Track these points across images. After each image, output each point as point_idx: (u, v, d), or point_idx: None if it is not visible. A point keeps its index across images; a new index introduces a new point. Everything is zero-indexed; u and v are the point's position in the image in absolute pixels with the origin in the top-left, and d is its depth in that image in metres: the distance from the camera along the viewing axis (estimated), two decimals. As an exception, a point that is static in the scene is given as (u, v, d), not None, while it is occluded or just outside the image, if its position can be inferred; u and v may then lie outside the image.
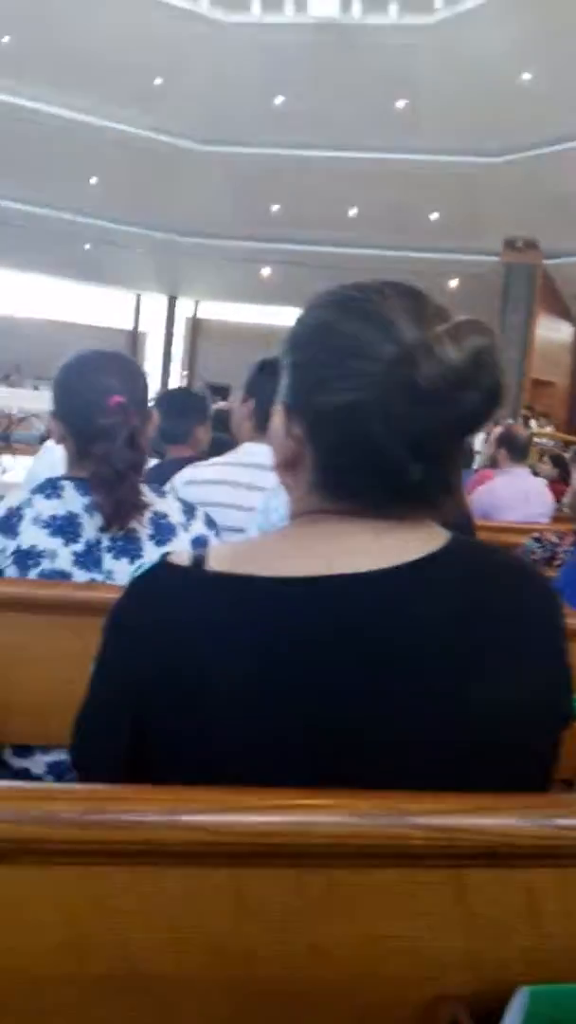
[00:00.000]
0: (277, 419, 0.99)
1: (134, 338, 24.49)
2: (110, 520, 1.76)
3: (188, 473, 2.62)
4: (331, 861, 0.77)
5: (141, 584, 0.97)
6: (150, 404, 2.09)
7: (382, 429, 0.89)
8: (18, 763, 1.86)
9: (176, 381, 23.29)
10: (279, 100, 18.30)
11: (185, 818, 0.75)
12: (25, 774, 1.80)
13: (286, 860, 0.76)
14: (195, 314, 26.05)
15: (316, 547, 0.93)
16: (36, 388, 18.10)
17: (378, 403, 0.89)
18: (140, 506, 1.78)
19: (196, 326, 26.04)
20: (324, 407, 0.92)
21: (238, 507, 2.41)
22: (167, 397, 3.63)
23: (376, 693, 0.86)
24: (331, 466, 0.94)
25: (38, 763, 1.84)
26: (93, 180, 20.08)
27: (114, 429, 1.75)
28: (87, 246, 22.12)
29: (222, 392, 13.45)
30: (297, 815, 0.76)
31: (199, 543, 1.83)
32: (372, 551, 0.91)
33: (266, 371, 2.63)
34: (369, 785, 0.82)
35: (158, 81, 18.05)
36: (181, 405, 3.49)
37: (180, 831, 0.74)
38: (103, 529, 1.78)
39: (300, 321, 0.99)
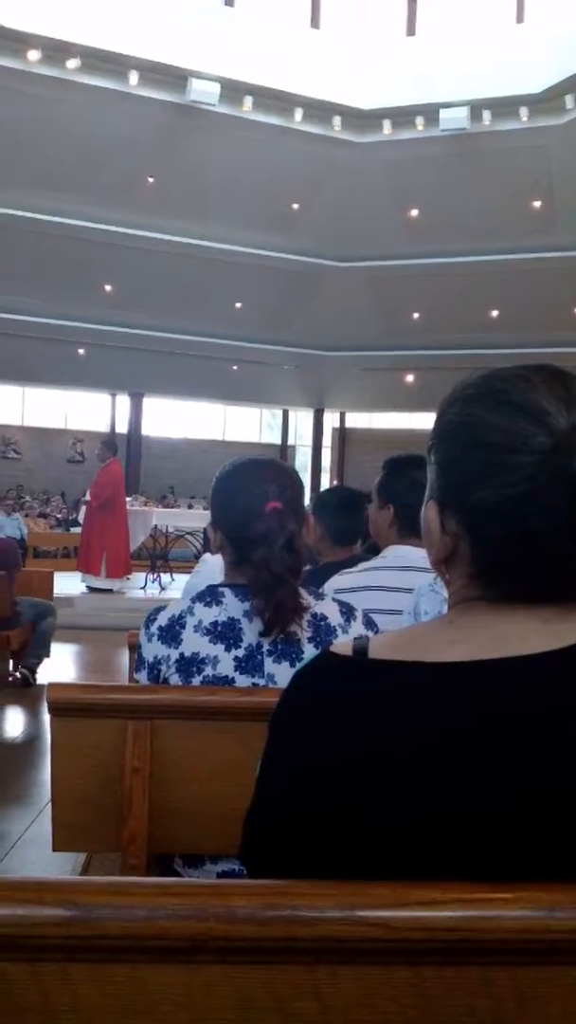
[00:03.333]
0: (431, 515, 0.98)
1: (283, 452, 25.03)
2: (270, 624, 1.78)
3: (337, 581, 2.62)
4: (517, 958, 0.73)
5: (304, 676, 0.97)
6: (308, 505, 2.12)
7: (542, 521, 0.88)
8: (188, 873, 1.86)
9: (326, 491, 23.53)
10: (414, 212, 18.76)
11: (362, 913, 0.73)
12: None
13: (469, 957, 0.73)
14: (342, 425, 26.46)
15: (481, 632, 0.91)
16: (190, 507, 18.68)
17: (536, 496, 0.88)
18: (299, 609, 1.79)
19: (343, 436, 26.43)
20: (480, 504, 0.91)
21: (389, 611, 2.39)
22: (333, 497, 3.50)
23: (550, 777, 0.83)
24: (491, 559, 0.93)
25: (208, 873, 1.83)
26: (238, 304, 20.92)
27: (271, 534, 1.78)
28: (235, 367, 22.94)
29: (370, 498, 13.48)
30: (480, 909, 0.73)
31: (359, 644, 1.83)
32: (540, 634, 0.89)
33: (396, 473, 2.64)
34: (545, 878, 0.79)
35: (295, 206, 18.81)
36: (351, 504, 3.39)
37: (358, 927, 0.72)
38: (263, 634, 1.79)
39: (444, 416, 0.98)
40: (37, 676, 7.08)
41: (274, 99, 16.91)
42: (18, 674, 7.14)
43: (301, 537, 1.86)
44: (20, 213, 17.95)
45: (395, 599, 2.43)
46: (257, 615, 1.79)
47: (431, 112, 17.07)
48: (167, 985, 0.75)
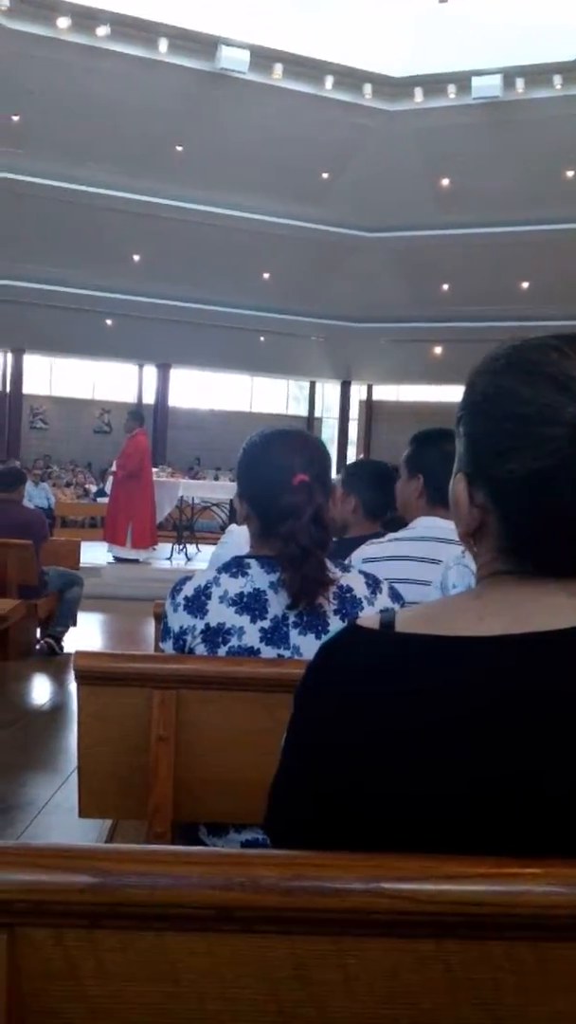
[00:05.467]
0: (459, 488, 0.97)
1: (310, 424, 24.97)
2: (297, 597, 1.77)
3: (367, 551, 2.61)
4: (544, 934, 0.73)
5: (330, 649, 0.96)
6: (336, 478, 2.11)
7: (572, 494, 0.87)
8: (213, 842, 1.87)
9: (353, 463, 23.44)
10: (445, 182, 18.56)
11: (388, 885, 0.72)
12: (220, 853, 1.80)
13: (495, 932, 0.73)
14: (369, 397, 26.36)
15: (510, 606, 0.90)
16: (216, 478, 18.71)
17: (566, 468, 0.87)
18: (326, 582, 1.78)
19: (370, 408, 26.33)
20: (509, 476, 0.90)
21: (417, 581, 2.38)
22: (366, 470, 3.45)
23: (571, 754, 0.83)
24: (520, 533, 0.92)
25: (232, 842, 1.84)
26: (265, 275, 20.83)
27: (299, 507, 1.77)
28: (262, 338, 22.86)
29: (398, 472, 13.42)
30: (507, 884, 0.73)
31: (385, 616, 1.82)
32: (569, 608, 0.88)
33: (425, 444, 2.62)
34: (570, 855, 0.78)
35: (325, 175, 18.65)
36: (379, 477, 3.35)
37: (383, 899, 0.72)
38: (290, 606, 1.79)
39: (473, 387, 0.97)
40: (63, 645, 7.14)
41: (304, 66, 16.76)
42: (44, 643, 7.20)
43: (328, 510, 1.85)
44: (47, 182, 17.93)
45: (423, 569, 2.42)
46: (283, 587, 1.79)
47: (463, 80, 16.86)
48: (192, 953, 0.76)
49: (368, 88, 17.36)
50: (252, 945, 0.75)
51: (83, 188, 18.21)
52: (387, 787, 0.86)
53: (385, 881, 0.73)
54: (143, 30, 15.88)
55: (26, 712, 5.78)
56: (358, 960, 0.74)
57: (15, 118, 17.12)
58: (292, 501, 1.78)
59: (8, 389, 23.80)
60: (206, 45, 16.22)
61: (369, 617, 0.95)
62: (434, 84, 17.21)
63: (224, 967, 0.75)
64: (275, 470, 1.83)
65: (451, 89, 17.11)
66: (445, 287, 20.95)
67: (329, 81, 17.12)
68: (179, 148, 17.83)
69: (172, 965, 0.76)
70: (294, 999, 0.75)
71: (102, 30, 15.69)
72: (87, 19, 15.56)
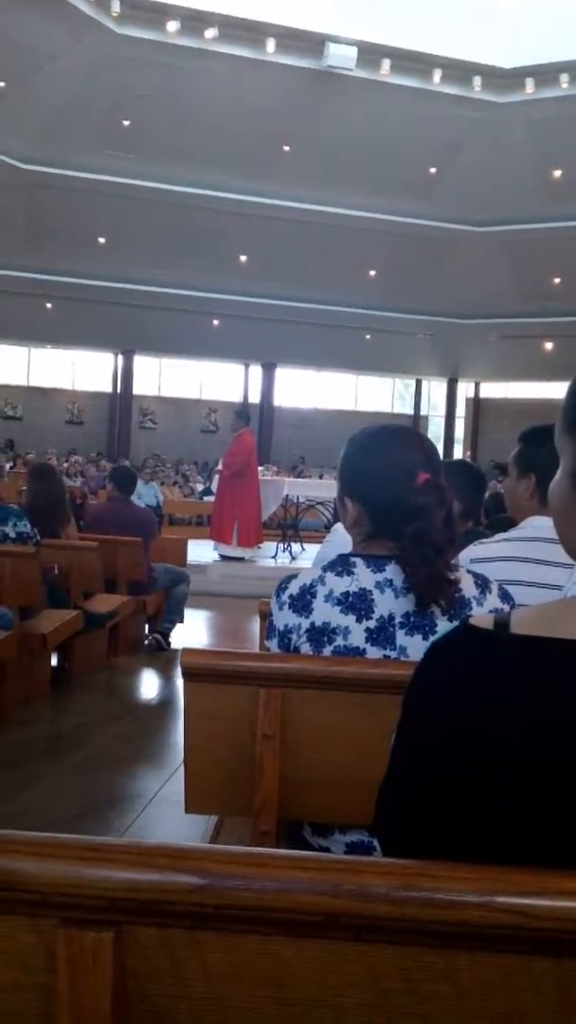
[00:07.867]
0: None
1: (416, 422, 24.77)
2: (424, 597, 1.74)
3: (475, 551, 2.53)
4: None
5: (442, 648, 0.94)
6: None
7: None
8: (318, 842, 1.86)
9: (459, 461, 23.15)
10: (557, 173, 18.17)
11: (501, 899, 0.70)
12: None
13: (615, 951, 0.70)
14: (476, 394, 25.99)
15: None
16: (320, 476, 18.71)
17: None
18: (452, 582, 1.75)
19: (478, 406, 25.96)
20: None
21: (539, 584, 2.31)
22: (455, 470, 3.37)
23: None
24: None
25: (337, 843, 1.83)
26: (371, 272, 20.73)
27: (430, 507, 1.74)
28: (367, 336, 22.76)
29: (506, 471, 13.20)
30: (628, 902, 0.69)
31: (495, 617, 1.77)
32: None
33: (536, 442, 2.53)
34: None
35: (432, 170, 18.47)
36: (475, 478, 3.37)
37: (496, 913, 0.70)
38: (419, 605, 1.76)
39: None
40: (170, 640, 7.24)
41: (412, 61, 16.63)
42: (152, 638, 7.32)
43: (454, 508, 1.81)
44: (155, 185, 18.22)
45: (534, 571, 2.35)
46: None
47: (576, 68, 16.48)
48: (298, 959, 0.75)
49: (477, 80, 17.12)
50: (360, 953, 0.73)
51: (191, 190, 18.44)
52: (500, 790, 0.83)
53: (499, 895, 0.70)
54: (251, 31, 15.99)
55: (135, 706, 5.88)
56: (469, 975, 0.72)
57: (125, 123, 17.45)
58: (421, 501, 1.73)
59: (119, 390, 24.30)
60: (313, 43, 16.23)
61: (482, 617, 0.93)
62: (546, 74, 16.87)
63: (330, 974, 0.74)
64: (394, 469, 1.78)
65: (563, 78, 16.75)
66: (556, 281, 20.51)
67: (437, 75, 16.95)
68: (286, 148, 17.90)
69: (277, 969, 0.75)
70: (402, 1010, 0.74)
71: (210, 32, 15.87)
72: (196, 22, 15.76)
